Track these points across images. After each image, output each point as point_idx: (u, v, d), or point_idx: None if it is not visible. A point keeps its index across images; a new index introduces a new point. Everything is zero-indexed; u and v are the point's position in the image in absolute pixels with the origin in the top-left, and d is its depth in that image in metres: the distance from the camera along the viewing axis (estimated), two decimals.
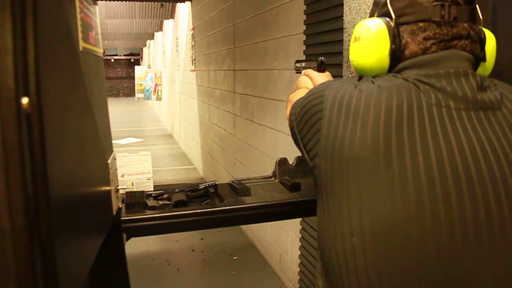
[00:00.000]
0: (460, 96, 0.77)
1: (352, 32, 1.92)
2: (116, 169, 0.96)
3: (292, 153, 1.69)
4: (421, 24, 0.83)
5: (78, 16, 0.68)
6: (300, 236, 2.89)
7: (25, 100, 0.45)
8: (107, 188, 0.85)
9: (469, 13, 0.84)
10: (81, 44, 0.68)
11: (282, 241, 3.50)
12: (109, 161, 0.87)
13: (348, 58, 1.97)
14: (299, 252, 2.92)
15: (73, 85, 0.64)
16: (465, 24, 0.84)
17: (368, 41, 0.87)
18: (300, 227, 2.87)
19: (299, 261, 2.94)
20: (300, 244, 2.89)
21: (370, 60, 0.87)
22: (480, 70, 0.87)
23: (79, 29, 0.67)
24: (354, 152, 0.76)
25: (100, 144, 0.79)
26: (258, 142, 4.02)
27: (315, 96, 0.88)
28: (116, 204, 0.94)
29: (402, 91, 0.78)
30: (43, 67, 0.49)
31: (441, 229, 0.71)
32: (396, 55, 0.85)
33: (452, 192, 0.72)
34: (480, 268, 0.72)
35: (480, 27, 0.87)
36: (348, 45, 1.96)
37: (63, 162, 0.56)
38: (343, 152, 0.77)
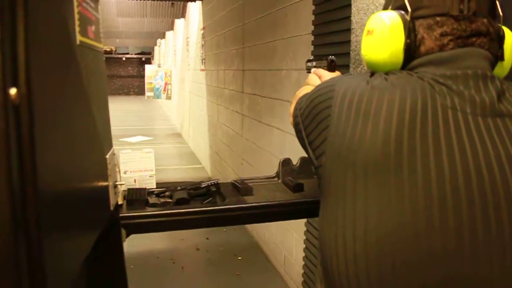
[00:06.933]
0: (477, 102, 0.74)
1: (360, 32, 1.91)
2: (115, 165, 0.96)
3: (299, 154, 1.67)
4: (438, 19, 0.79)
5: (76, 10, 0.67)
6: (304, 237, 2.87)
7: (13, 91, 0.44)
8: (104, 183, 0.84)
9: (489, 8, 0.80)
10: (78, 38, 0.68)
11: (287, 242, 3.48)
12: (107, 156, 0.87)
13: (355, 59, 1.96)
14: (304, 254, 2.91)
15: (68, 78, 0.64)
16: (485, 20, 0.79)
17: (382, 34, 0.82)
18: (305, 228, 2.86)
19: (303, 263, 2.93)
20: (304, 245, 2.88)
21: (383, 54, 0.82)
22: (497, 70, 0.83)
23: (76, 22, 0.67)
24: (363, 153, 0.72)
25: (97, 139, 0.79)
26: (265, 143, 4.01)
27: (324, 92, 0.84)
28: (114, 199, 0.93)
29: (416, 91, 0.74)
30: (34, 58, 0.49)
31: (450, 244, 0.69)
32: (411, 50, 0.81)
33: (463, 203, 0.69)
34: (492, 277, 0.69)
35: (500, 24, 0.83)
36: (356, 46, 1.95)
37: (54, 155, 0.55)
38: (351, 152, 0.74)
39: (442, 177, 0.69)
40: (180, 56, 11.06)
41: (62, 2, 0.61)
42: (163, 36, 15.58)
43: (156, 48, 20.43)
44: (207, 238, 4.34)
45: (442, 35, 0.79)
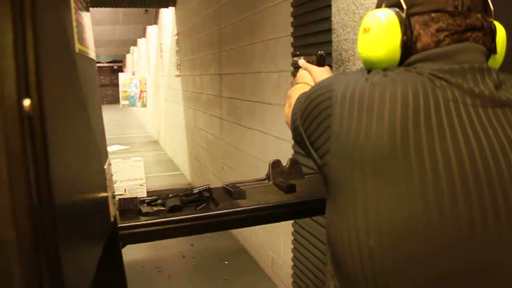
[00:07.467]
0: (477, 93, 0.75)
1: (341, 32, 1.92)
2: (112, 175, 0.94)
3: (282, 155, 1.68)
4: (433, 15, 0.80)
5: (74, 18, 0.66)
6: (292, 238, 2.87)
7: (27, 102, 0.43)
8: (105, 194, 0.82)
9: (482, 3, 0.82)
10: (77, 46, 0.66)
11: (274, 244, 3.48)
12: (105, 167, 0.85)
13: (338, 59, 1.97)
14: (292, 255, 2.91)
15: (71, 87, 0.62)
16: (478, 15, 0.81)
17: (379, 32, 0.83)
18: (292, 229, 2.86)
19: (292, 263, 2.93)
20: (292, 246, 2.88)
21: (381, 52, 0.84)
22: (490, 63, 0.85)
23: (75, 30, 0.65)
24: (370, 148, 0.73)
25: (96, 149, 0.77)
26: (247, 146, 4.00)
27: (322, 92, 0.85)
28: (114, 210, 0.91)
29: (417, 85, 0.75)
30: (43, 68, 0.47)
31: (463, 233, 0.70)
32: (408, 47, 0.82)
33: (473, 193, 0.70)
34: (503, 264, 0.70)
35: (491, 18, 0.85)
36: (337, 46, 1.97)
37: (64, 167, 0.54)
38: (357, 149, 0.74)
39: (450, 169, 0.71)
40: (154, 63, 10.97)
41: (63, 9, 0.60)
42: (135, 43, 15.43)
43: (128, 56, 20.21)
44: (191, 245, 4.30)
45: (438, 30, 0.80)
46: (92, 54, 0.82)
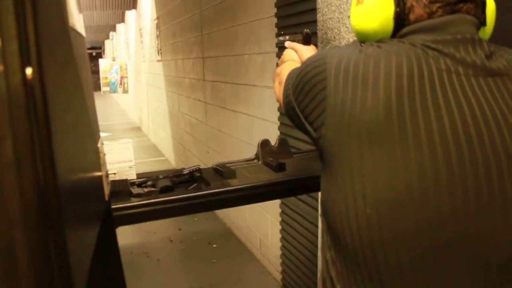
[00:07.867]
0: (469, 63, 0.76)
1: (326, 11, 1.92)
2: (105, 154, 0.93)
3: (267, 137, 1.68)
4: None
5: None
6: (280, 219, 2.90)
7: (29, 70, 0.42)
8: (100, 173, 0.81)
9: None
10: (70, 20, 0.65)
11: (261, 226, 3.50)
12: (99, 145, 0.84)
13: (323, 38, 1.97)
14: (280, 236, 2.93)
15: (66, 61, 0.61)
16: None
17: (372, 4, 0.84)
18: (279, 210, 2.88)
19: (280, 244, 2.96)
20: (280, 227, 2.90)
21: (374, 23, 0.84)
22: (480, 34, 0.85)
23: (67, 3, 0.64)
24: (366, 119, 0.74)
25: (90, 127, 0.76)
26: (232, 129, 3.99)
27: (316, 65, 0.85)
28: (108, 190, 0.91)
29: (411, 56, 0.76)
30: (42, 40, 0.46)
31: (457, 201, 0.71)
32: (400, 19, 0.83)
33: (467, 162, 0.72)
34: (496, 232, 0.73)
35: None
36: (323, 26, 1.96)
37: (63, 143, 0.53)
38: (353, 120, 0.75)
39: (445, 138, 0.72)
40: (134, 48, 10.82)
41: None
42: (114, 29, 15.18)
43: (107, 42, 19.89)
44: (179, 229, 4.31)
45: (431, 2, 0.81)
46: (82, 29, 0.81)
